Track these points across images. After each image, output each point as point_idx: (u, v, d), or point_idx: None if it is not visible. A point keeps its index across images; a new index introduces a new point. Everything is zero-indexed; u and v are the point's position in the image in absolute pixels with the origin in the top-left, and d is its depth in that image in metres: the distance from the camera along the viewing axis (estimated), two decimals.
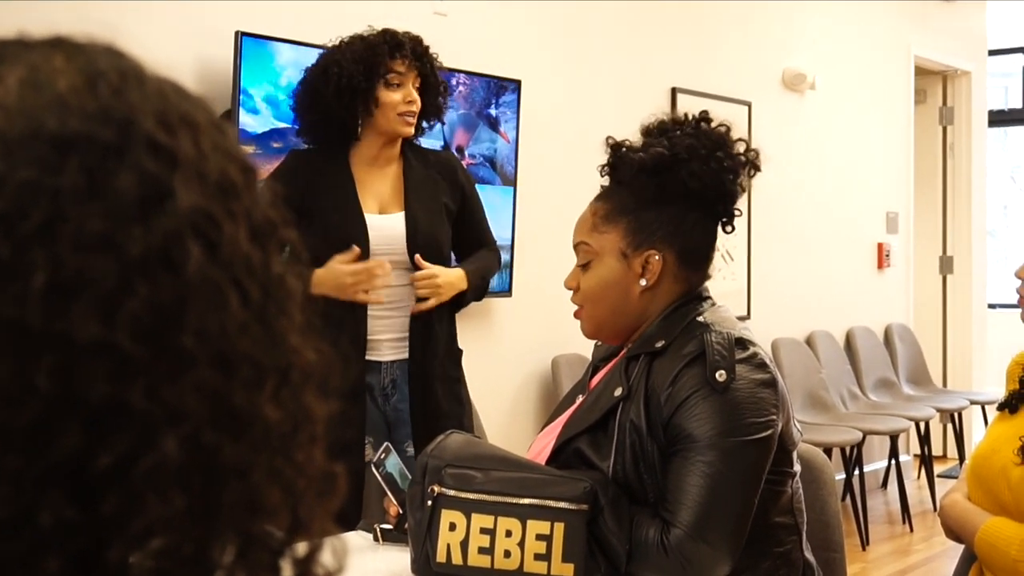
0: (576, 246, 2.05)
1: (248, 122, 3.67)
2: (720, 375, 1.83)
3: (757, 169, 2.04)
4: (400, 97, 3.03)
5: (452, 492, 1.86)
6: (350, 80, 3.01)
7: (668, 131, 2.00)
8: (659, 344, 1.93)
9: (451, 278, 3.09)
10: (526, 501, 1.83)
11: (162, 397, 0.57)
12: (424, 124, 3.18)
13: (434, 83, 3.12)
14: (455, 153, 3.97)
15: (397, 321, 3.07)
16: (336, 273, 2.92)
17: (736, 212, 2.03)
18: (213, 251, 0.60)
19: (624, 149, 2.02)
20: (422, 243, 3.04)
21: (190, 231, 0.59)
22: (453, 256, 3.28)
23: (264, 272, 0.64)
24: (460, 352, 3.25)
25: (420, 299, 3.04)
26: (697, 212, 1.98)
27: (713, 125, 2.02)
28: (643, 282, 1.97)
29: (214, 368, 0.59)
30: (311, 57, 3.75)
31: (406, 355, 3.06)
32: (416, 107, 3.04)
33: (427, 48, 3.13)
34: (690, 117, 2.03)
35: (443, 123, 3.31)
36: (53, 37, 0.64)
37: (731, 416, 1.82)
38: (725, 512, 1.81)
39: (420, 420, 3.04)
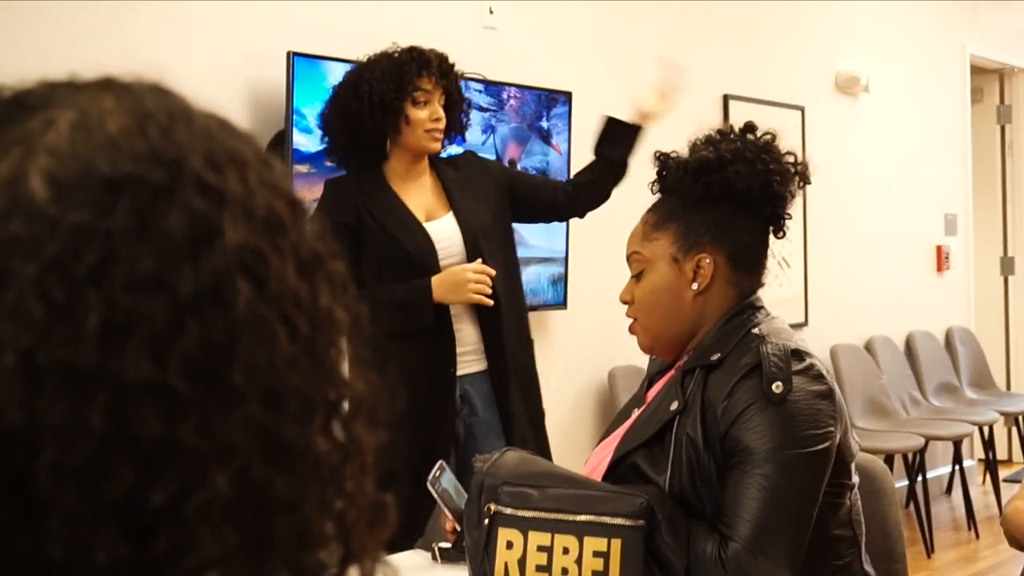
0: (629, 257, 2.06)
1: (301, 141, 3.70)
2: (777, 387, 1.82)
3: (806, 181, 2.04)
4: (427, 114, 3.05)
5: (509, 510, 1.86)
6: (381, 98, 3.03)
7: (714, 141, 2.02)
8: (715, 357, 1.92)
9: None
10: (583, 518, 1.82)
11: (213, 434, 0.58)
12: (445, 140, 3.21)
13: (457, 99, 3.16)
14: (507, 166, 3.98)
15: (466, 332, 3.07)
16: (454, 272, 2.98)
17: (786, 216, 2.03)
18: (261, 287, 0.61)
19: (670, 159, 2.04)
20: (478, 236, 3.06)
21: (239, 268, 0.59)
22: (552, 204, 3.36)
23: (312, 305, 0.64)
24: (531, 342, 3.27)
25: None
26: (745, 214, 1.99)
27: (759, 133, 2.04)
28: (695, 286, 1.97)
29: (264, 403, 0.60)
30: None
31: (477, 368, 3.06)
32: (443, 124, 3.06)
33: (452, 65, 3.16)
34: (736, 128, 2.05)
35: (464, 139, 3.32)
36: (103, 78, 0.65)
37: (788, 428, 1.81)
38: (783, 525, 1.79)
39: (506, 429, 3.07)
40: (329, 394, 0.65)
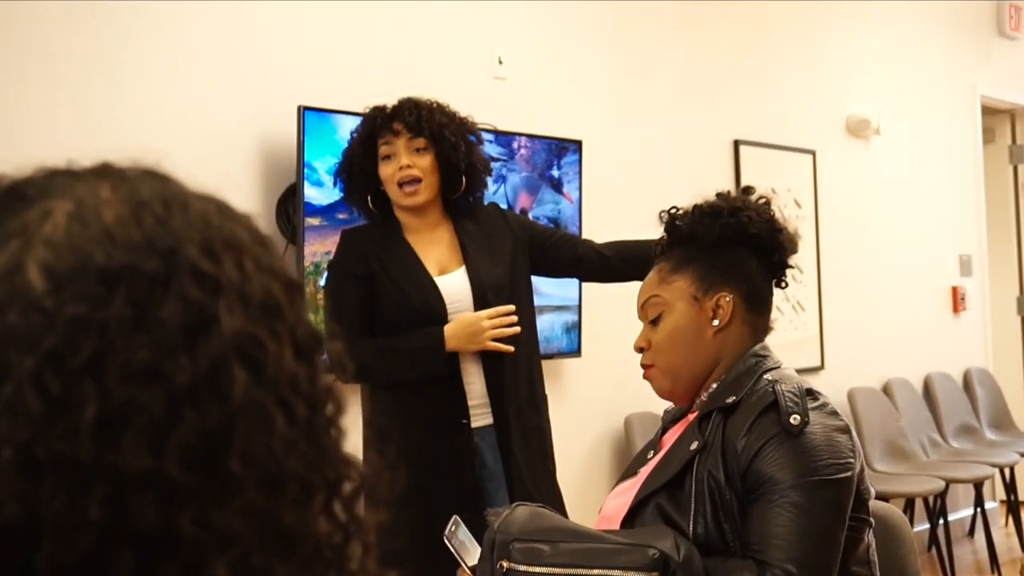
0: (644, 304, 2.11)
1: (312, 194, 3.71)
2: (795, 419, 1.86)
3: (792, 248, 2.14)
4: (392, 170, 2.98)
5: (522, 567, 1.85)
6: (350, 161, 3.04)
7: (720, 196, 2.13)
8: (730, 400, 1.96)
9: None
10: (596, 572, 1.82)
11: (211, 523, 0.58)
12: (468, 186, 3.09)
13: (451, 147, 3.01)
14: (530, 219, 3.86)
15: (474, 385, 3.02)
16: (469, 320, 2.95)
17: (789, 266, 2.13)
18: (258, 372, 0.61)
19: (679, 210, 2.13)
20: (488, 293, 3.03)
21: (235, 355, 0.60)
22: (571, 270, 3.31)
23: (310, 387, 0.64)
24: (547, 409, 3.17)
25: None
26: (756, 258, 2.08)
27: (755, 196, 2.13)
28: (716, 323, 2.04)
29: (262, 490, 0.60)
30: None
31: (485, 421, 3.01)
32: (411, 172, 2.96)
33: (431, 107, 3.03)
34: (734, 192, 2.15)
35: (484, 168, 3.14)
36: (100, 166, 0.65)
37: (810, 458, 1.84)
38: (817, 546, 1.81)
39: (512, 484, 3.00)
40: (329, 475, 0.65)
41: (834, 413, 1.92)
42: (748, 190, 2.14)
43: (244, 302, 0.61)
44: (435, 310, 2.98)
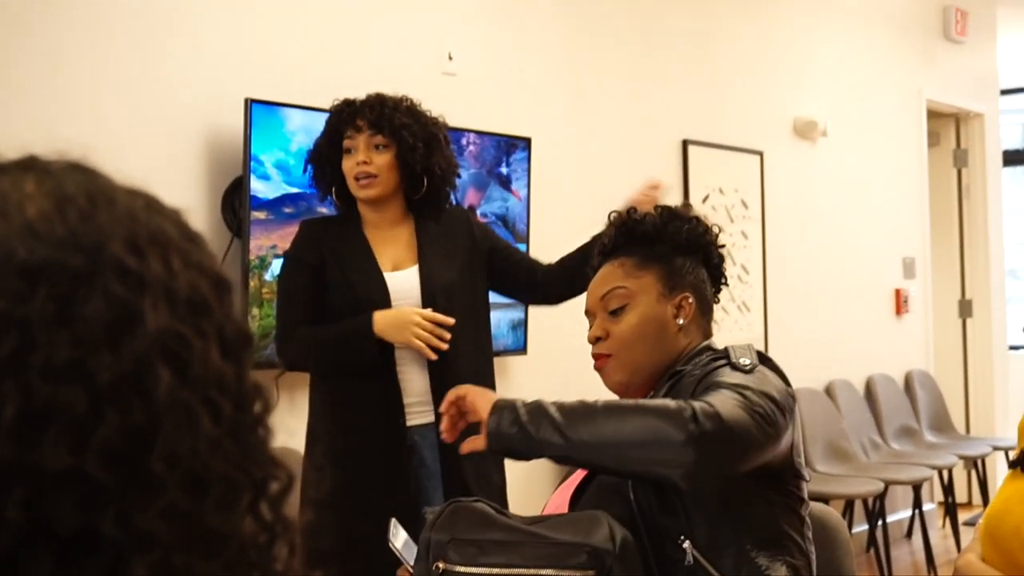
0: (606, 295, 2.13)
1: (259, 188, 3.69)
2: (744, 362, 1.95)
3: (723, 261, 2.24)
4: (351, 164, 3.01)
5: (459, 568, 1.85)
6: (317, 153, 3.08)
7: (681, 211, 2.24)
8: (679, 367, 2.05)
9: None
10: (532, 572, 1.82)
11: (132, 524, 0.57)
12: (430, 187, 3.08)
13: (407, 142, 3.00)
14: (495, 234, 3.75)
15: (415, 383, 3.01)
16: (402, 311, 2.95)
17: (724, 278, 2.23)
18: (183, 371, 0.60)
19: (633, 212, 2.20)
20: (438, 293, 3.02)
21: (160, 354, 0.59)
22: (522, 281, 3.26)
23: (237, 386, 0.64)
24: None
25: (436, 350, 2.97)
26: (703, 267, 2.18)
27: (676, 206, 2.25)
28: (680, 321, 2.10)
29: (185, 490, 0.59)
30: (320, 122, 3.79)
31: (427, 419, 2.98)
32: (367, 168, 2.98)
33: (395, 105, 3.04)
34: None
35: (446, 171, 3.10)
36: (25, 158, 0.64)
37: (755, 380, 1.90)
38: (751, 420, 1.82)
39: (448, 484, 2.96)
40: (256, 474, 0.64)
41: (781, 374, 1.98)
42: (687, 207, 2.26)
43: (170, 299, 0.60)
44: (379, 304, 2.97)
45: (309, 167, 3.13)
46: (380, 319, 2.94)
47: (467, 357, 3.03)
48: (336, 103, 3.10)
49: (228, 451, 0.62)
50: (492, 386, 3.11)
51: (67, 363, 0.56)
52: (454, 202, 3.22)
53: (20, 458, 0.55)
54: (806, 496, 2.02)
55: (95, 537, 0.56)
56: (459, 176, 3.22)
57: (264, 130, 3.70)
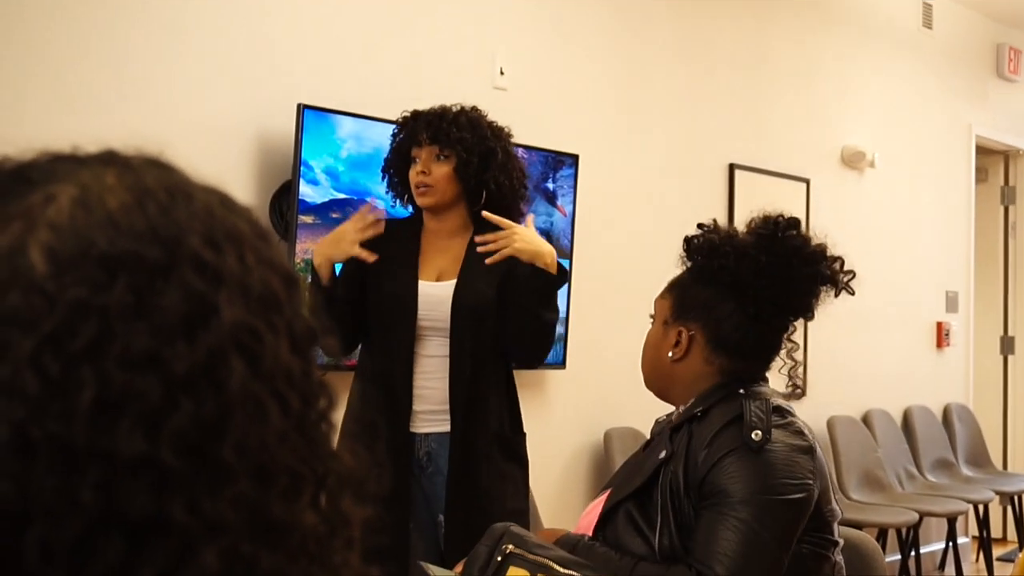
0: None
1: (308, 192, 3.72)
2: (756, 435, 1.88)
3: (842, 290, 2.12)
4: (414, 173, 3.05)
5: (529, 555, 1.88)
6: (395, 165, 3.12)
7: (754, 228, 2.08)
8: (698, 410, 1.99)
9: (530, 236, 2.96)
10: None
11: (202, 511, 0.58)
12: (490, 200, 3.07)
13: (461, 157, 3.02)
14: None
15: (435, 392, 3.01)
16: (336, 230, 3.05)
17: (779, 317, 2.07)
18: (255, 364, 0.61)
19: (703, 228, 2.11)
20: (465, 311, 3.01)
21: (233, 346, 0.60)
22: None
23: (304, 381, 0.65)
24: (521, 435, 3.10)
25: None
26: (732, 303, 2.04)
27: (793, 233, 2.07)
28: (670, 354, 2.07)
29: (253, 480, 0.60)
30: (371, 129, 3.82)
31: (446, 428, 3.00)
32: (424, 179, 3.02)
33: (455, 119, 3.05)
34: (783, 219, 2.07)
35: (504, 184, 3.07)
36: (105, 152, 0.66)
37: (766, 475, 1.85)
38: (757, 568, 1.82)
39: (455, 497, 2.97)
40: (318, 468, 0.66)
41: (799, 433, 1.92)
42: (793, 224, 2.08)
43: (244, 294, 0.62)
44: (406, 307, 2.99)
45: (384, 175, 3.17)
46: (317, 247, 3.03)
47: (489, 371, 3.03)
48: (404, 114, 3.13)
49: (294, 444, 0.63)
50: (514, 401, 3.09)
51: (144, 353, 0.57)
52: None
53: (95, 443, 0.56)
54: (837, 535, 1.99)
55: (166, 523, 0.57)
56: (526, 189, 3.18)
57: (315, 136, 3.74)
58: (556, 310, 3.02)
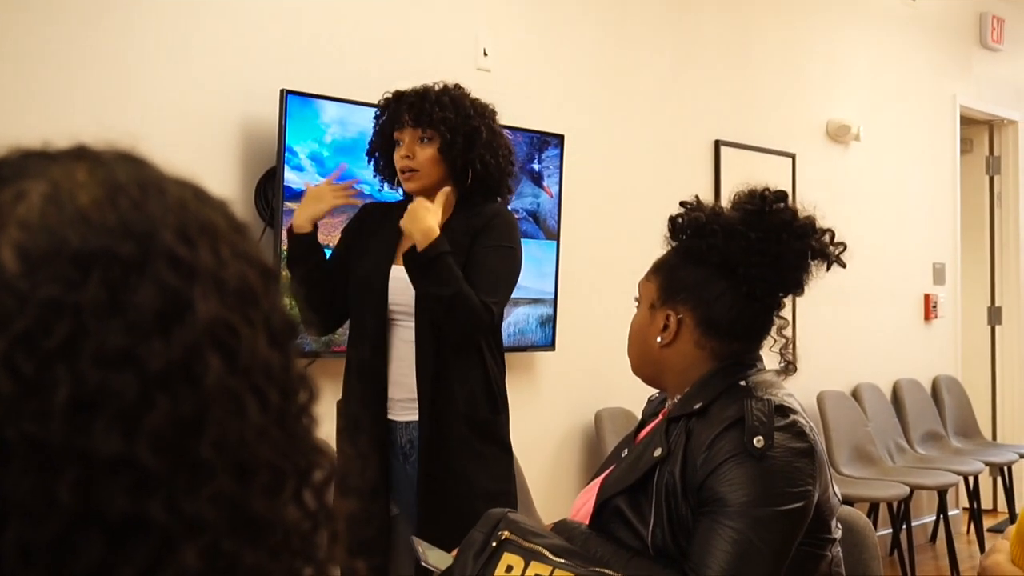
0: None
1: (292, 178, 3.70)
2: (758, 441, 1.83)
3: (833, 263, 2.07)
4: (398, 156, 3.02)
5: (523, 542, 1.87)
6: (380, 147, 3.10)
7: (739, 202, 2.02)
8: (697, 406, 1.94)
9: (417, 213, 2.89)
10: (582, 571, 1.83)
11: (181, 509, 0.57)
12: (476, 180, 3.03)
13: (444, 137, 2.97)
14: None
15: (407, 382, 2.98)
16: (312, 190, 3.09)
17: (769, 295, 2.02)
18: (232, 359, 0.60)
19: (686, 206, 2.05)
20: None
21: (209, 342, 0.59)
22: None
23: (283, 375, 0.64)
24: (502, 416, 3.02)
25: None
26: (723, 283, 1.99)
27: (782, 207, 2.01)
28: (659, 339, 2.02)
29: (233, 477, 0.60)
30: (355, 114, 3.80)
31: (413, 417, 2.98)
32: (409, 162, 2.98)
33: (438, 99, 3.00)
34: (769, 194, 2.01)
35: (490, 163, 3.02)
36: (76, 147, 0.65)
37: (765, 484, 1.82)
38: (763, 556, 1.80)
39: (428, 481, 2.93)
40: (300, 463, 0.65)
41: (801, 434, 1.86)
42: (780, 197, 2.02)
43: (219, 288, 0.61)
44: (376, 292, 2.98)
45: (370, 159, 3.15)
46: (298, 211, 3.04)
47: (455, 358, 2.97)
48: (385, 96, 3.10)
49: (274, 439, 0.62)
50: (493, 382, 3.02)
51: (118, 350, 0.57)
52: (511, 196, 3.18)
53: (71, 443, 0.55)
54: (836, 532, 1.97)
55: (145, 522, 0.57)
56: (513, 166, 3.13)
57: (299, 121, 3.72)
58: (448, 284, 2.84)
